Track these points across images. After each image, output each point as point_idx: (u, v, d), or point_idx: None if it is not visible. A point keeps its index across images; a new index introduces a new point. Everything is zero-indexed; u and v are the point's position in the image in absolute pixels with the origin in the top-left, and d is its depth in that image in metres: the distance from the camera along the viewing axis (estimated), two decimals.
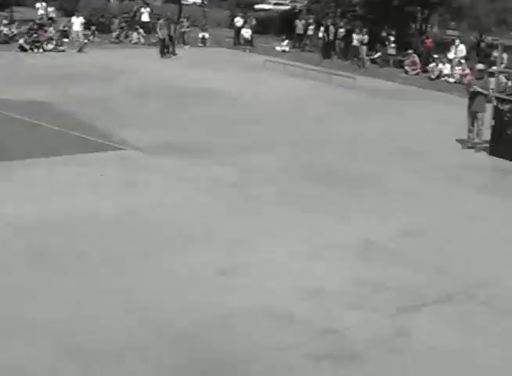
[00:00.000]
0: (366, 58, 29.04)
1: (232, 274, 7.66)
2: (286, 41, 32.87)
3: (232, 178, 11.65)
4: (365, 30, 29.79)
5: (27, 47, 29.62)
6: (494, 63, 19.38)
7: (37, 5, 36.83)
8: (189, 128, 15.59)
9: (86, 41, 31.57)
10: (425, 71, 27.01)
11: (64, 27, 33.76)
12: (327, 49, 31.09)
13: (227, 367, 5.70)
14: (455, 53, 27.45)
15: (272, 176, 11.86)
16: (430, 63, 27.21)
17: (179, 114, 16.97)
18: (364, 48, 29.46)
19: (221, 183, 11.29)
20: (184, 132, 14.98)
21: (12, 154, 12.83)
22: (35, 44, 29.95)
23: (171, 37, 30.01)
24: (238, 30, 34.64)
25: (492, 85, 15.65)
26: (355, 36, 29.99)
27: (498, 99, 14.90)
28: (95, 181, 11.57)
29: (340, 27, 31.25)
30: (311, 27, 33.61)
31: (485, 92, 15.15)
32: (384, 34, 30.11)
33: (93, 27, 33.78)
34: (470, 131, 15.15)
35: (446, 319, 6.90)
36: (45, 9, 36.99)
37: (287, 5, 48.72)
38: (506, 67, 20.49)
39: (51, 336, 6.31)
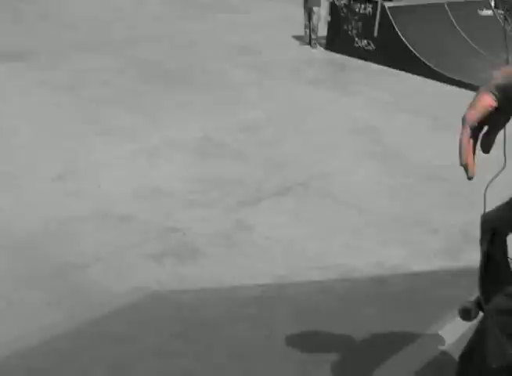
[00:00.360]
0: None
1: (69, 179, 7.43)
2: None
3: (66, 81, 11.20)
4: None
5: None
6: None
7: None
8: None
9: None
10: None
11: None
12: None
13: (66, 273, 5.56)
14: None
15: (109, 77, 11.52)
16: None
17: None
18: None
19: (55, 87, 10.83)
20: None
21: None
22: None
23: None
24: None
25: None
26: None
27: None
28: None
29: None
30: None
31: None
32: None
33: None
34: (306, 27, 15.25)
35: (284, 211, 7.02)
36: None
37: None
38: None
39: None
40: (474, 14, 15.23)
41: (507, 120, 2.31)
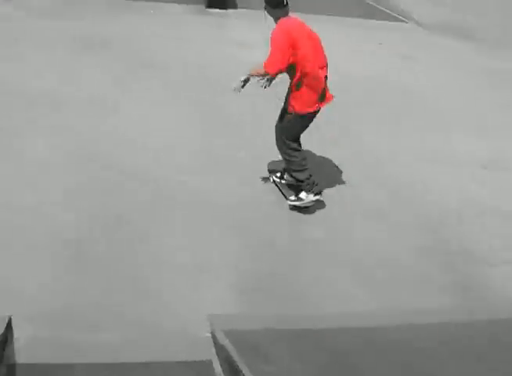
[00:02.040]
0: None
1: None
2: None
3: None
4: None
5: None
6: None
7: None
8: None
9: None
10: None
11: None
12: None
13: None
14: None
15: None
16: None
17: None
18: None
19: None
20: None
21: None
22: None
23: None
24: None
25: None
26: None
27: None
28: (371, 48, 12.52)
29: None
30: None
31: None
32: None
33: None
34: None
35: None
36: None
37: None
38: None
39: None
40: None
41: None
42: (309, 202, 7.03)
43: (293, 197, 7.15)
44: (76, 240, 6.10)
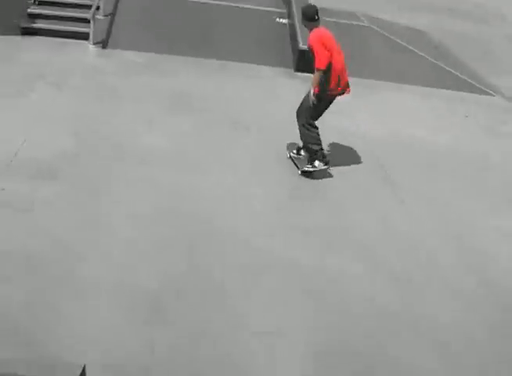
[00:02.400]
0: None
1: None
2: None
3: None
4: None
5: None
6: None
7: None
8: None
9: None
10: None
11: None
12: None
13: None
14: None
15: None
16: None
17: None
18: None
19: None
20: None
21: (381, 74, 13.96)
22: None
23: None
24: None
25: None
26: None
27: None
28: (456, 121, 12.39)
29: None
30: None
31: None
32: None
33: None
34: None
35: None
36: None
37: None
38: None
39: None
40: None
41: None
42: (320, 169, 9.07)
43: (308, 165, 9.14)
44: (157, 290, 6.20)
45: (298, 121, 9.20)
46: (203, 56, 13.66)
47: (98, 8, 13.78)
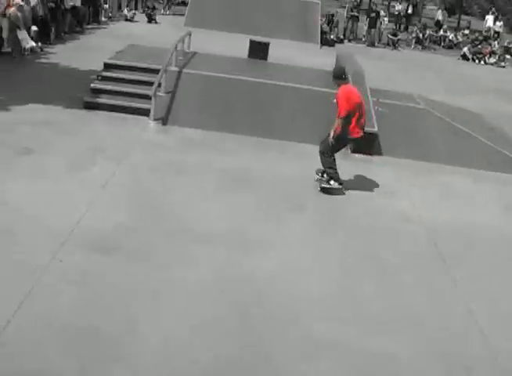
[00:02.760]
0: None
1: None
2: None
3: None
4: None
5: (470, 56, 33.09)
6: None
7: (487, 16, 40.31)
8: None
9: None
10: None
11: (509, 43, 36.10)
12: None
13: None
14: None
15: None
16: None
17: None
18: None
19: None
20: None
21: (437, 157, 14.12)
22: (477, 55, 33.08)
23: None
24: None
25: None
26: None
27: None
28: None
29: None
30: None
31: None
32: None
33: None
34: None
35: None
36: (493, 22, 39.60)
37: None
38: None
39: None
40: None
41: None
42: (334, 188, 11.40)
43: (326, 183, 11.48)
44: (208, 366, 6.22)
45: (320, 149, 11.61)
46: (260, 135, 13.88)
47: (159, 85, 14.11)
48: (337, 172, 11.44)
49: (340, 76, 11.56)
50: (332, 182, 11.45)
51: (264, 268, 8.41)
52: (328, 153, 11.46)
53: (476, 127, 16.08)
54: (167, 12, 33.27)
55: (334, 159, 11.52)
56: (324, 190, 11.45)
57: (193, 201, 10.22)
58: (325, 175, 11.66)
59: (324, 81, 15.67)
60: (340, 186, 11.46)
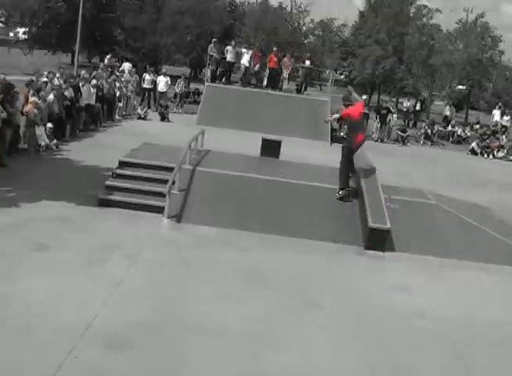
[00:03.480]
0: None
1: None
2: None
3: None
4: None
5: (478, 151, 33.55)
6: None
7: (494, 111, 40.78)
8: None
9: None
10: None
11: None
12: None
13: None
14: None
15: None
16: None
17: None
18: None
19: None
20: None
21: (450, 252, 14.10)
22: (486, 149, 33.57)
23: None
24: None
25: None
26: None
27: None
28: None
29: None
30: None
31: None
32: None
33: None
34: None
35: None
36: (500, 117, 39.94)
37: None
38: None
39: None
40: None
41: None
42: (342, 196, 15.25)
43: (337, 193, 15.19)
44: None
45: (339, 168, 15.61)
46: (273, 232, 13.96)
47: (173, 183, 14.31)
48: (348, 183, 15.47)
49: (345, 98, 16.26)
50: (341, 191, 15.31)
51: (280, 367, 8.38)
52: (344, 165, 15.53)
53: (486, 220, 16.20)
54: (180, 111, 33.84)
55: (349, 172, 15.74)
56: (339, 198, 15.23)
57: (207, 299, 10.26)
58: (341, 192, 15.29)
59: (335, 179, 15.89)
60: (348, 192, 15.34)
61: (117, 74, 31.94)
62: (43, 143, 18.98)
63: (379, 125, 33.89)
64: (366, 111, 32.88)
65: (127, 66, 36.22)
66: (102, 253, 11.55)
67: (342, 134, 30.88)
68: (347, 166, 15.56)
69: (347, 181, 15.48)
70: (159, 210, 14.17)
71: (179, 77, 36.25)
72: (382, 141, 33.19)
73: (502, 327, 10.66)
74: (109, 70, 32.18)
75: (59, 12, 49.76)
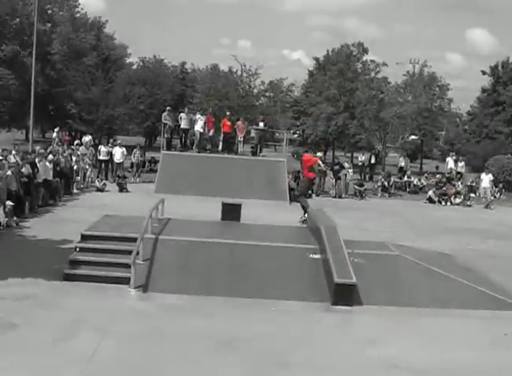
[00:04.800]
0: None
1: None
2: None
3: None
4: None
5: (436, 199, 33.83)
6: None
7: (448, 158, 41.67)
8: None
9: (493, 198, 34.73)
10: None
11: (472, 182, 37.26)
12: None
13: None
14: None
15: None
16: None
17: None
18: None
19: None
20: None
21: (417, 301, 14.20)
22: (443, 197, 33.88)
23: None
24: None
25: None
26: None
27: None
28: (496, 338, 12.36)
29: None
30: None
31: None
32: None
33: (500, 185, 37.32)
34: None
35: None
36: (455, 164, 40.51)
37: None
38: None
39: None
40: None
41: None
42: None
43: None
44: None
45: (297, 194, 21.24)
46: (239, 295, 13.98)
47: (137, 252, 14.33)
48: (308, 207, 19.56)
49: (294, 154, 21.22)
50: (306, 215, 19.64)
51: None
52: (303, 193, 21.11)
53: (450, 267, 16.44)
54: (137, 180, 34.01)
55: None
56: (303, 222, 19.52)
57: (180, 369, 10.21)
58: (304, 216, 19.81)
59: (297, 238, 16.06)
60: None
61: (73, 147, 32.08)
62: (1, 221, 18.92)
63: (334, 181, 34.29)
64: (323, 168, 33.53)
65: (87, 139, 36.45)
66: (72, 328, 11.46)
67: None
68: (306, 193, 21.95)
69: (307, 204, 19.87)
70: (125, 281, 14.13)
71: (134, 147, 36.52)
72: (340, 197, 33.58)
73: (473, 369, 10.81)
74: (64, 144, 32.38)
75: (11, 89, 49.98)
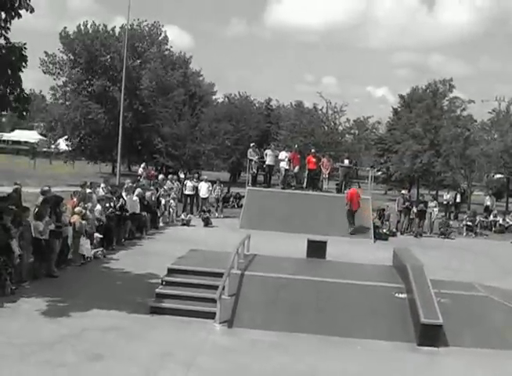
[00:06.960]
0: None
1: None
2: None
3: None
4: None
5: None
6: None
7: None
8: None
9: None
10: None
11: None
12: None
13: None
14: None
15: None
16: None
17: None
18: None
19: None
20: None
21: (504, 343, 13.83)
22: None
23: None
24: None
25: None
26: None
27: None
28: None
29: None
30: None
31: None
32: None
33: None
34: None
35: None
36: None
37: None
38: None
39: None
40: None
41: None
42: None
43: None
44: None
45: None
46: (326, 333, 13.91)
47: (224, 288, 14.37)
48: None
49: None
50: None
51: None
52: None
53: None
54: (222, 215, 34.21)
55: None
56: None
57: None
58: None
59: (382, 276, 15.86)
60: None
61: (159, 181, 32.52)
62: (88, 254, 19.24)
63: (418, 220, 33.71)
64: (409, 206, 33.04)
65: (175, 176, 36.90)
66: (157, 362, 11.60)
67: (385, 230, 31.00)
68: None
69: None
70: (210, 316, 14.22)
71: (214, 182, 36.90)
72: (420, 235, 33.01)
73: None
74: (151, 178, 32.89)
75: (100, 123, 51.23)
